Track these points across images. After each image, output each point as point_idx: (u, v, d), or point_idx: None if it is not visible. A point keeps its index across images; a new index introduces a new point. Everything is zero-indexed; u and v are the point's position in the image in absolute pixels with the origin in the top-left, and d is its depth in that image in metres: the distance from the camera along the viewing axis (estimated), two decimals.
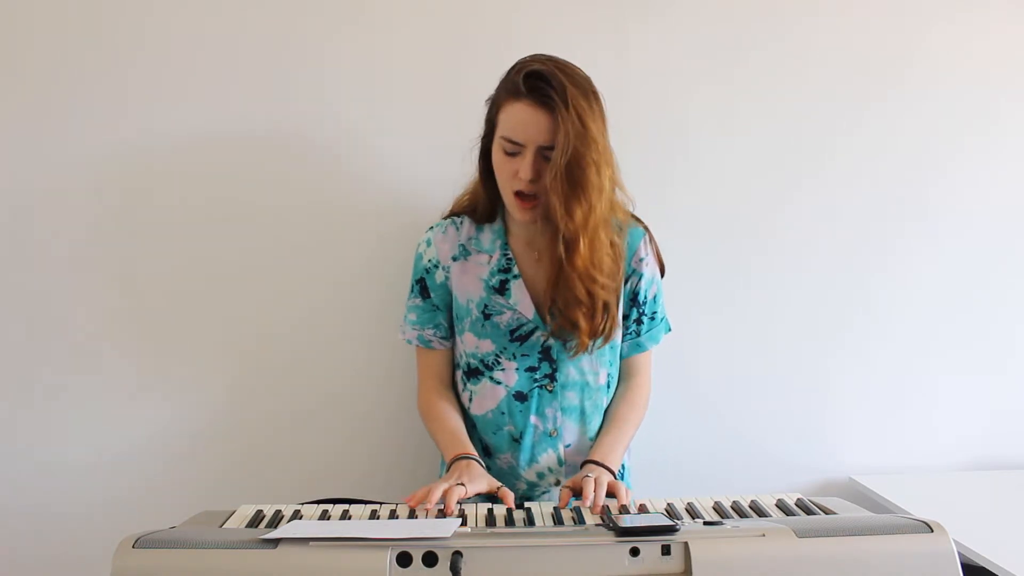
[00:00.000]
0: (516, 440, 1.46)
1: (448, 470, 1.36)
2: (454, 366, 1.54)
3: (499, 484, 1.32)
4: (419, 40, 1.70)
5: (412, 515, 1.23)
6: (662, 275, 1.53)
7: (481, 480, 1.31)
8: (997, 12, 1.82)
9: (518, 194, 1.36)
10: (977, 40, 1.82)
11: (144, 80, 1.66)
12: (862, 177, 1.83)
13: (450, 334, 1.51)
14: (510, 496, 1.29)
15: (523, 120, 1.30)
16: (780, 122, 1.79)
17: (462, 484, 1.26)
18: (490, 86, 1.41)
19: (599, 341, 1.41)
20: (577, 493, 1.30)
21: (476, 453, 1.39)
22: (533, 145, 1.31)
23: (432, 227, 1.51)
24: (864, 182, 1.83)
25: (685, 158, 1.78)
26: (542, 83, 1.29)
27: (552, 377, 1.45)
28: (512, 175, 1.34)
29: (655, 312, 1.52)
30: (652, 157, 1.75)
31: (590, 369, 1.46)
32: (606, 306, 1.39)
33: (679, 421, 1.82)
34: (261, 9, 1.67)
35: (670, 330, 1.56)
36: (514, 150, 1.33)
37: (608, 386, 1.50)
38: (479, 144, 1.43)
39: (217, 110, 1.68)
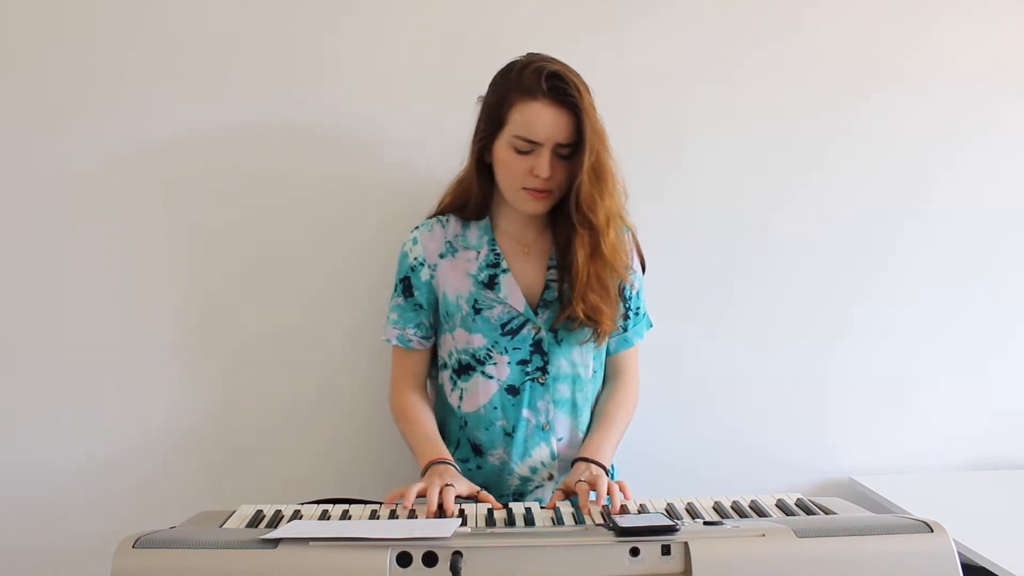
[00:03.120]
0: (509, 435, 1.46)
1: (424, 474, 1.36)
2: (442, 366, 1.54)
3: (479, 488, 1.33)
4: (415, 38, 1.70)
5: (412, 515, 1.23)
6: (643, 271, 1.55)
7: (460, 483, 1.31)
8: (997, 12, 1.82)
9: (528, 188, 1.38)
10: (977, 39, 1.82)
11: (137, 78, 1.65)
12: (862, 176, 1.83)
13: (431, 335, 1.51)
14: (491, 498, 1.30)
15: (543, 119, 1.33)
16: (780, 122, 1.79)
17: (451, 485, 1.27)
18: (487, 85, 1.41)
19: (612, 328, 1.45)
20: (568, 495, 1.32)
21: (452, 458, 1.40)
22: (551, 143, 1.34)
23: (418, 226, 1.51)
24: (864, 181, 1.83)
25: (684, 158, 1.78)
26: (561, 83, 1.32)
27: (544, 370, 1.46)
28: (525, 172, 1.36)
29: (639, 307, 1.54)
30: (651, 157, 1.76)
31: (580, 361, 1.47)
32: (617, 294, 1.44)
33: (679, 421, 1.82)
34: (258, 5, 1.67)
35: (651, 325, 1.58)
36: (528, 148, 1.35)
37: (595, 379, 1.51)
38: (476, 142, 1.43)
39: (211, 108, 1.67)
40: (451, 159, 1.51)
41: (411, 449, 1.46)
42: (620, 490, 1.27)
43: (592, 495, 1.27)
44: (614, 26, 1.73)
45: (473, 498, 1.32)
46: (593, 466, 1.37)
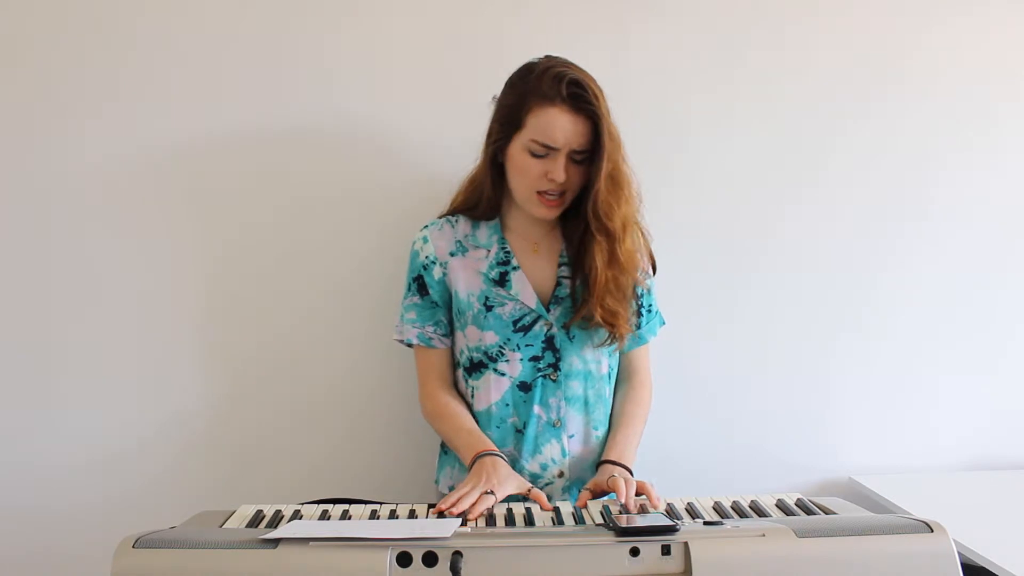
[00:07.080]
0: (520, 431, 1.46)
1: (470, 470, 1.35)
2: (454, 364, 1.54)
3: (529, 485, 1.33)
4: (415, 39, 1.70)
5: (412, 515, 1.23)
6: (653, 272, 1.55)
7: (510, 481, 1.31)
8: (996, 12, 1.82)
9: (542, 193, 1.39)
10: (977, 40, 1.82)
11: (138, 78, 1.65)
12: (862, 177, 1.83)
13: (450, 332, 1.51)
14: (543, 496, 1.30)
15: (562, 125, 1.34)
16: (780, 122, 1.80)
17: (492, 493, 1.26)
18: (490, 85, 1.41)
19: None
20: (597, 495, 1.32)
21: (498, 449, 1.40)
22: (567, 149, 1.35)
23: (427, 225, 1.52)
24: (864, 182, 1.83)
25: (685, 158, 1.78)
26: (581, 91, 1.33)
27: (556, 366, 1.46)
28: (540, 176, 1.37)
29: (651, 305, 1.55)
30: (652, 157, 1.75)
31: (593, 358, 1.48)
32: (631, 296, 1.46)
33: (679, 421, 1.82)
34: (258, 5, 1.67)
35: (664, 323, 1.59)
36: (544, 152, 1.36)
37: (609, 376, 1.52)
38: (490, 143, 1.43)
39: (213, 108, 1.67)
40: (452, 159, 1.51)
41: (454, 447, 1.46)
42: (640, 492, 1.28)
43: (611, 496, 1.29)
44: (615, 26, 1.73)
45: (524, 496, 1.31)
46: (616, 468, 1.38)
